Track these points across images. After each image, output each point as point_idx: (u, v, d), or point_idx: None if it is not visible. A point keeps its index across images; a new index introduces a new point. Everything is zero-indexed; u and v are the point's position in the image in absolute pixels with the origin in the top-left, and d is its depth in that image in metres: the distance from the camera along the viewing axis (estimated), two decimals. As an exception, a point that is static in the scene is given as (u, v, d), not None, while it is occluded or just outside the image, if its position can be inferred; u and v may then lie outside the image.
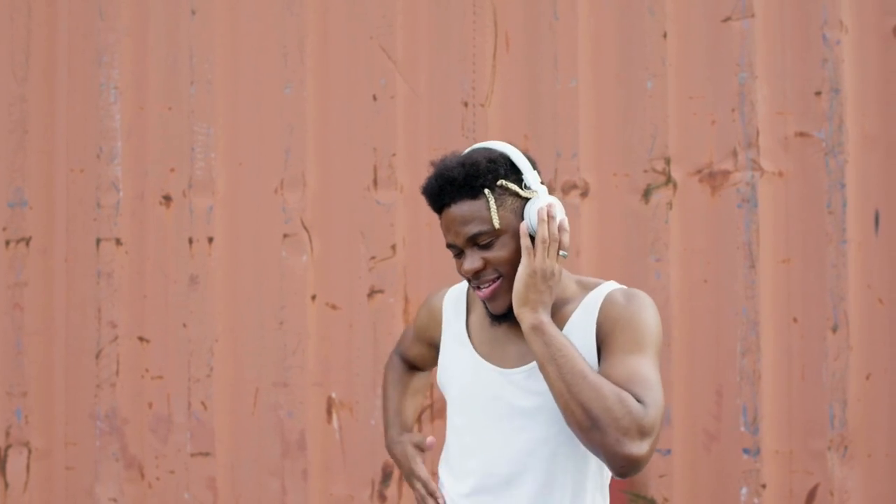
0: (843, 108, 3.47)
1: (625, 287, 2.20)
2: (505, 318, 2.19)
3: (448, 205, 2.13)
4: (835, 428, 3.43)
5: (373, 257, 3.66)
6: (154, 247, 3.80)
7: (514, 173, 2.14)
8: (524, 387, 2.19)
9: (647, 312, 2.13)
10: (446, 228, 2.15)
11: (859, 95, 3.48)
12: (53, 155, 3.88)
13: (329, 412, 3.68)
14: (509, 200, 2.13)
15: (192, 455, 3.74)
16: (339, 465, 3.66)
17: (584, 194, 3.57)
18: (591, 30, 3.60)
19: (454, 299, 2.35)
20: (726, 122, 3.52)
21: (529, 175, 2.14)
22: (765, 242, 3.48)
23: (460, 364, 2.28)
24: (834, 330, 3.45)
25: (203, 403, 3.74)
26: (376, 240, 3.66)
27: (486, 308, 2.21)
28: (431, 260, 3.61)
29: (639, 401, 2.03)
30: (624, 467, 2.00)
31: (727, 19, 3.54)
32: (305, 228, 3.71)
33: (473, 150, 2.19)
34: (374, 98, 3.70)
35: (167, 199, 3.80)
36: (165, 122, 3.81)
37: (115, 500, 3.77)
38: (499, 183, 2.12)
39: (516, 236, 2.13)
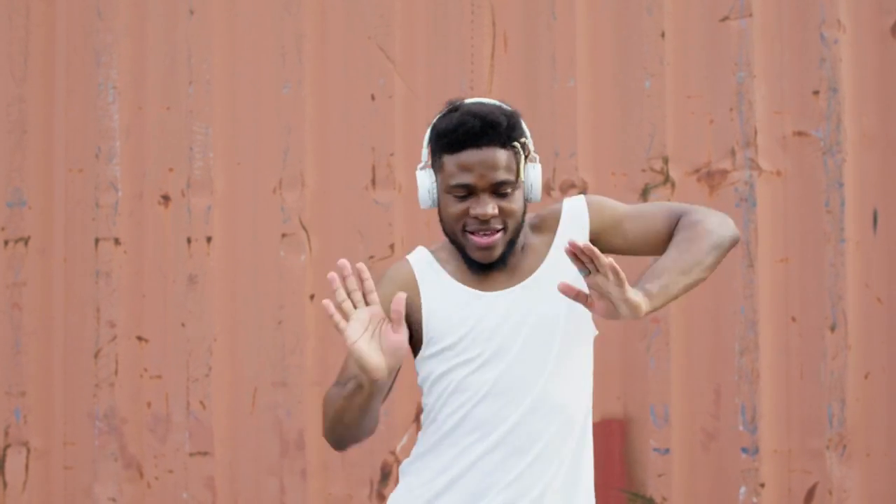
0: (841, 107, 3.47)
1: (567, 198, 2.32)
2: (488, 267, 2.23)
3: (479, 146, 2.18)
4: (833, 427, 3.43)
5: (371, 257, 3.66)
6: (153, 246, 3.80)
7: (521, 133, 2.24)
8: (540, 295, 2.23)
9: (596, 201, 2.31)
10: (466, 169, 2.18)
11: (857, 95, 3.48)
12: (52, 155, 3.88)
13: (328, 412, 3.67)
14: (522, 159, 2.22)
15: (191, 454, 3.74)
16: (338, 465, 3.66)
17: (583, 193, 3.57)
18: (589, 29, 3.60)
19: (424, 264, 2.29)
20: (724, 121, 3.52)
21: (530, 141, 2.25)
22: (763, 241, 3.48)
23: (465, 307, 2.25)
24: (832, 329, 3.44)
25: (202, 403, 3.74)
26: (375, 239, 3.66)
27: (470, 260, 2.23)
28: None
29: (684, 215, 2.26)
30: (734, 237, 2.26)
31: (725, 19, 3.54)
32: (304, 228, 3.71)
33: (491, 102, 2.26)
34: (373, 98, 3.71)
35: (166, 198, 3.80)
36: (164, 121, 3.81)
37: (113, 499, 3.77)
38: (522, 140, 2.22)
39: (522, 193, 2.22)
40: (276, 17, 3.76)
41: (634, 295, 2.10)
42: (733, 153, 3.51)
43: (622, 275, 2.06)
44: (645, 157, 3.55)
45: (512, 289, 2.24)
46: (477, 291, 2.24)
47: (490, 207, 2.18)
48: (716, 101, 3.52)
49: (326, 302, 2.09)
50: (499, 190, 2.19)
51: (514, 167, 2.19)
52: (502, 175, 2.18)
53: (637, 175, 3.55)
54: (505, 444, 2.21)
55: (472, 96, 3.64)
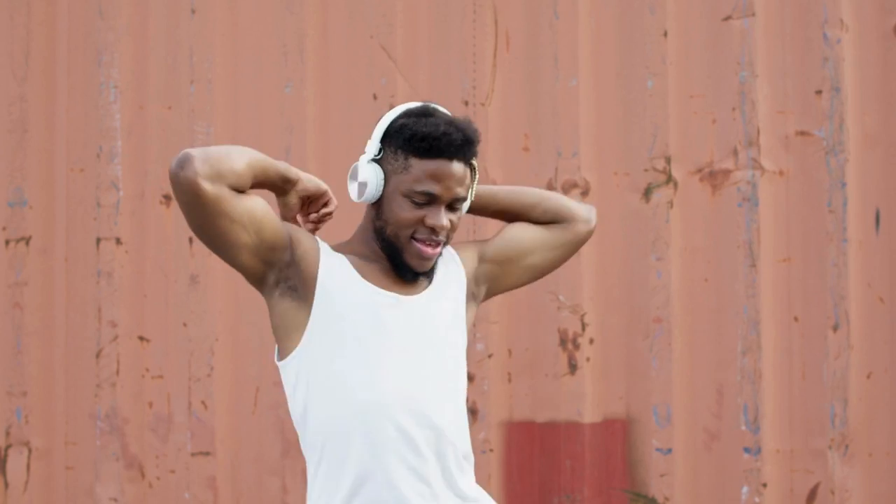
0: (843, 106, 3.47)
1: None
2: (415, 276, 2.23)
3: (452, 159, 2.18)
4: (835, 427, 3.43)
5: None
6: (154, 246, 3.80)
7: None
8: (433, 311, 2.23)
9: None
10: (435, 178, 2.17)
11: (860, 94, 3.48)
12: (53, 154, 3.87)
13: (329, 411, 3.67)
14: (476, 176, 2.27)
15: (193, 454, 3.73)
16: (340, 465, 3.66)
17: (585, 193, 3.57)
18: (592, 29, 3.60)
19: (327, 250, 2.26)
20: (727, 120, 3.52)
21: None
22: (765, 241, 3.48)
23: (362, 301, 2.21)
24: (835, 329, 3.44)
25: (203, 403, 3.73)
26: (377, 239, 3.66)
27: (399, 266, 2.21)
28: (432, 259, 3.60)
29: None
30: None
31: (728, 18, 3.53)
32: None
33: (461, 118, 2.25)
34: (375, 97, 3.70)
35: (167, 198, 3.79)
36: (165, 121, 3.81)
37: (115, 499, 3.77)
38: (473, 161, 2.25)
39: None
40: (277, 17, 3.76)
41: None
42: (736, 153, 3.51)
43: None
44: (647, 157, 3.55)
45: (413, 297, 2.22)
46: (377, 288, 2.20)
47: (446, 220, 2.18)
48: (718, 101, 3.52)
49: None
50: (454, 205, 2.20)
51: (469, 185, 2.23)
52: (463, 192, 2.19)
53: (639, 175, 3.55)
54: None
55: (475, 96, 3.64)
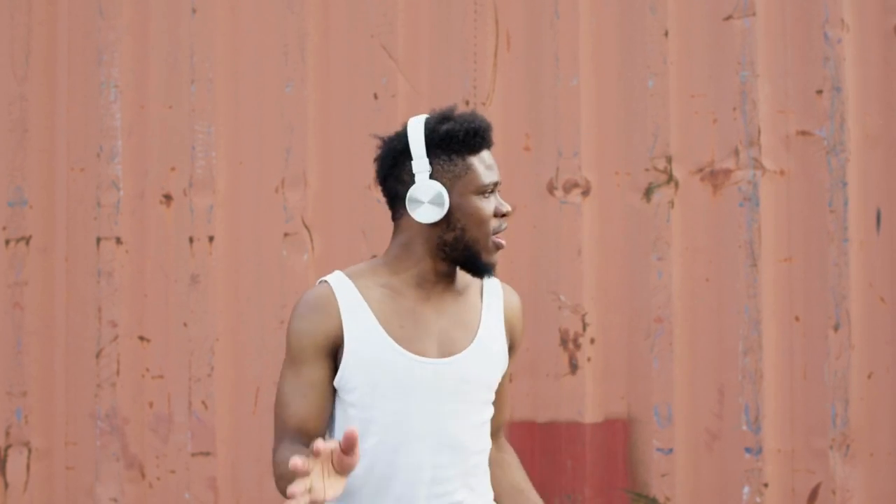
0: (844, 106, 3.47)
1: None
2: (492, 272, 2.27)
3: (490, 147, 2.27)
4: (837, 427, 3.43)
5: (374, 256, 3.66)
6: (154, 246, 3.80)
7: None
8: (461, 374, 2.24)
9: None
10: (491, 167, 2.25)
11: (861, 94, 3.48)
12: (53, 154, 3.87)
13: (330, 411, 3.67)
14: None
15: (193, 455, 3.73)
16: (340, 465, 3.66)
17: (586, 193, 3.57)
18: (593, 28, 3.60)
19: (344, 290, 2.24)
20: (728, 120, 3.52)
21: None
22: (766, 241, 3.48)
23: (383, 359, 2.22)
24: (836, 328, 3.45)
25: (204, 403, 3.73)
26: (377, 239, 3.66)
27: (477, 268, 2.23)
28: (433, 259, 3.60)
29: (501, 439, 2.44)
30: None
31: (728, 17, 3.54)
32: (306, 227, 3.71)
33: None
34: (375, 97, 3.70)
35: (168, 197, 3.79)
36: (166, 120, 3.81)
37: (115, 499, 3.77)
38: None
39: None
40: (278, 16, 3.76)
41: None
42: (737, 152, 3.51)
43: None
44: (648, 157, 3.55)
45: (439, 361, 2.23)
46: (402, 350, 2.20)
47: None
48: (719, 101, 3.52)
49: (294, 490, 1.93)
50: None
51: None
52: None
53: (640, 174, 3.55)
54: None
55: (476, 96, 3.64)
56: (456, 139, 2.19)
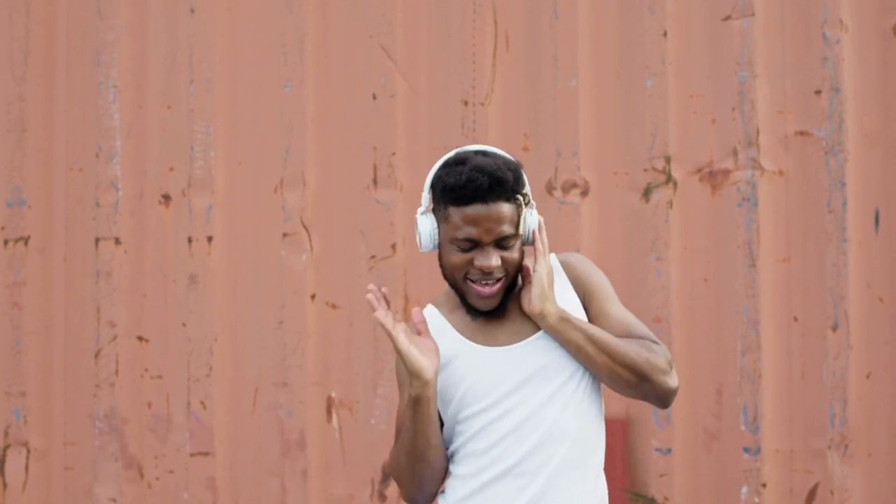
0: (843, 106, 3.47)
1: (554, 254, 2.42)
2: (489, 312, 2.32)
3: (486, 202, 2.24)
4: (835, 427, 3.43)
5: (373, 256, 3.66)
6: (153, 246, 3.79)
7: (522, 185, 2.31)
8: (532, 357, 2.32)
9: (594, 268, 2.44)
10: (472, 223, 2.24)
11: (859, 94, 3.48)
12: (52, 154, 3.87)
13: (329, 412, 3.67)
14: (523, 210, 2.29)
15: (192, 455, 3.73)
16: (339, 465, 3.66)
17: (585, 193, 3.57)
18: (591, 29, 3.60)
19: (435, 322, 2.37)
20: (726, 120, 3.52)
21: (529, 191, 2.33)
22: (765, 241, 3.48)
23: (466, 363, 2.33)
24: (834, 329, 3.45)
25: (202, 403, 3.73)
26: (376, 239, 3.66)
27: (469, 306, 2.32)
28: (431, 259, 3.60)
29: (644, 339, 2.34)
30: (669, 399, 2.34)
31: (727, 18, 3.54)
32: (305, 227, 3.71)
33: (495, 154, 2.31)
34: (374, 97, 3.70)
35: (166, 198, 3.79)
36: (165, 121, 3.81)
37: (114, 500, 3.77)
38: (524, 192, 2.30)
39: (520, 243, 2.31)
40: (277, 16, 3.76)
41: (541, 302, 2.26)
42: (735, 153, 3.51)
43: (533, 279, 2.26)
44: (647, 157, 3.55)
45: (514, 346, 2.31)
46: (483, 347, 2.31)
47: (494, 260, 2.25)
48: (718, 101, 3.52)
49: (380, 314, 2.24)
50: (502, 243, 2.26)
51: (516, 220, 2.27)
52: (507, 229, 2.25)
53: (639, 174, 3.55)
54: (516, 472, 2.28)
55: (475, 96, 3.64)
56: (440, 188, 2.26)
